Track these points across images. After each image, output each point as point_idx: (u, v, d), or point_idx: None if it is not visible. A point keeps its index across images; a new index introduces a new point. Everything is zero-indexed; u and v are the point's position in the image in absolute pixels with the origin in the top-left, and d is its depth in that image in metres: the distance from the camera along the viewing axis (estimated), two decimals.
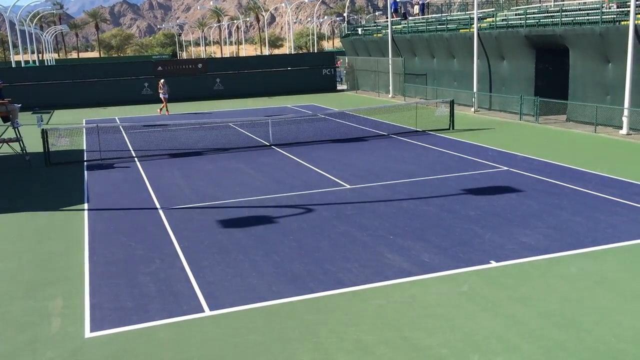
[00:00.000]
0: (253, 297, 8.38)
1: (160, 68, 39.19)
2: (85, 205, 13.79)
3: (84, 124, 26.99)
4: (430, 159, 17.44)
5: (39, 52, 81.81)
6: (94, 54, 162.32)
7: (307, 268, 9.40)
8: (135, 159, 19.29)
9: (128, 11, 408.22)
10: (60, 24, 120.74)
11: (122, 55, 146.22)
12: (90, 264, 9.93)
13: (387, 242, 10.43)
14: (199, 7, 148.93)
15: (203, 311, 8.02)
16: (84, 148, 21.40)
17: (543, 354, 6.69)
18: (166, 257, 10.12)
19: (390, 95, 36.03)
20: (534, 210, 12.00)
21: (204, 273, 9.33)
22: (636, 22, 19.50)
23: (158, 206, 13.43)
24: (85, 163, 18.87)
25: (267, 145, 20.61)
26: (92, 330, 7.60)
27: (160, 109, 31.39)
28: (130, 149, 21.10)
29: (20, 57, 56.87)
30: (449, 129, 22.47)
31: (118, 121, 29.05)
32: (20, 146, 19.04)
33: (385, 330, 7.34)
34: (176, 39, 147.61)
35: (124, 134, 24.41)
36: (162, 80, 31.54)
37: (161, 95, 31.12)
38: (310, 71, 41.40)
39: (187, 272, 9.38)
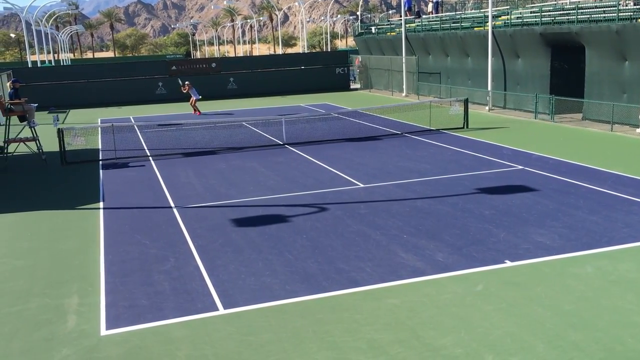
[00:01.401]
0: (267, 296, 8.40)
1: (174, 67, 39.40)
2: (101, 204, 13.90)
3: (99, 124, 27.21)
4: (444, 158, 17.37)
5: (54, 52, 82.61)
6: (109, 54, 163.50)
7: (320, 267, 9.40)
8: (150, 157, 19.41)
9: (142, 11, 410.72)
10: (76, 24, 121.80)
11: (136, 55, 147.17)
12: (106, 262, 10.01)
13: (401, 241, 10.41)
14: (212, 7, 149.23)
15: (217, 310, 8.06)
16: (99, 147, 21.58)
17: (559, 354, 6.63)
18: (180, 255, 10.17)
19: (403, 94, 35.92)
20: (549, 209, 11.90)
21: (218, 271, 9.37)
22: None
23: (172, 205, 13.51)
24: (100, 162, 19.02)
25: (280, 144, 20.64)
26: (107, 328, 7.66)
27: (195, 110, 30.79)
28: (145, 148, 21.24)
29: (36, 57, 57.45)
30: (463, 127, 22.35)
31: (133, 120, 29.25)
32: (37, 145, 19.23)
33: (399, 330, 7.32)
34: (190, 39, 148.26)
35: (139, 133, 24.57)
36: (187, 83, 31.19)
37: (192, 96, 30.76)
38: (323, 70, 41.39)
39: (202, 271, 9.43)
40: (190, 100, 30.88)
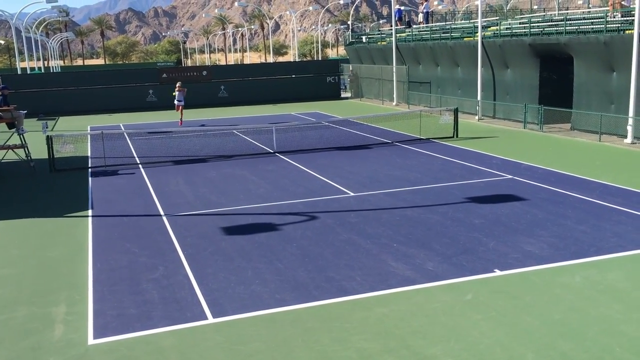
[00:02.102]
0: (256, 305, 8.36)
1: (164, 75, 39.34)
2: (90, 212, 13.82)
3: (89, 131, 27.09)
4: (434, 167, 17.43)
5: (44, 59, 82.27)
6: (99, 61, 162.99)
7: (310, 275, 9.39)
8: (140, 165, 19.34)
9: (133, 18, 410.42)
10: (66, 31, 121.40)
11: (127, 62, 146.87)
12: (94, 271, 9.94)
13: (391, 250, 10.41)
14: (204, 15, 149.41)
15: (206, 318, 8.02)
16: (89, 155, 21.47)
17: None
18: (170, 264, 10.12)
19: (394, 103, 36.06)
20: (538, 219, 11.97)
21: (208, 280, 9.33)
22: None
23: (162, 213, 13.45)
24: (89, 169, 18.93)
25: (271, 153, 20.64)
26: (95, 337, 7.60)
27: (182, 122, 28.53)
28: (135, 155, 21.16)
29: (25, 64, 57.20)
30: (453, 137, 22.46)
31: (123, 128, 29.14)
32: (25, 152, 19.11)
33: (389, 339, 7.31)
34: (181, 47, 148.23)
35: (129, 140, 24.48)
36: (178, 84, 28.73)
37: (176, 102, 28.49)
38: (314, 79, 41.49)
39: (191, 279, 9.38)
40: (177, 107, 28.55)
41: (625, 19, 21.26)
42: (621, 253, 9.91)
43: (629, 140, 20.14)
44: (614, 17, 21.82)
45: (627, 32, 20.54)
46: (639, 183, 14.58)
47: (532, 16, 28.84)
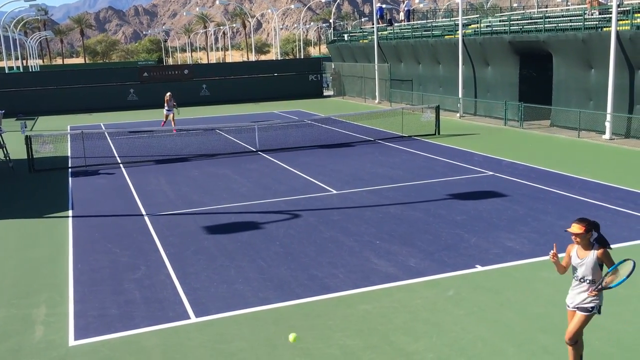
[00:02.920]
0: (239, 304, 8.34)
1: (145, 74, 39.05)
2: (70, 212, 13.67)
3: (69, 130, 26.79)
4: (417, 164, 17.52)
5: (23, 59, 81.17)
6: (79, 60, 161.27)
7: (293, 274, 9.39)
8: (121, 165, 19.18)
9: (114, 17, 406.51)
10: (45, 30, 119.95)
11: (107, 61, 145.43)
12: (75, 272, 9.84)
13: (374, 247, 10.45)
14: (185, 14, 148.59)
15: (189, 318, 7.98)
16: (69, 154, 21.24)
17: (528, 357, 6.73)
18: (152, 263, 10.06)
19: (376, 101, 36.16)
20: (519, 214, 12.09)
21: (190, 279, 9.28)
22: (618, 28, 19.76)
23: (144, 212, 13.35)
24: (69, 170, 18.73)
25: (253, 151, 20.59)
26: (76, 339, 7.53)
27: (164, 123, 26.29)
28: (116, 155, 20.98)
29: (4, 64, 56.39)
30: (435, 134, 22.59)
31: (103, 127, 28.87)
32: (4, 153, 18.85)
33: (372, 336, 7.34)
34: (162, 45, 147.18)
35: (109, 140, 24.26)
36: (168, 94, 26.62)
37: (165, 111, 26.41)
38: (296, 77, 41.45)
39: (173, 279, 9.34)
40: (170, 116, 26.29)
41: (602, 16, 21.54)
42: None
43: (607, 136, 20.41)
44: (592, 15, 22.09)
45: (604, 29, 20.81)
46: (617, 178, 14.79)
47: (511, 14, 29.08)
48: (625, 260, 5.87)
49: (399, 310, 8.00)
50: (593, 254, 5.93)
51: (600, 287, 5.92)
